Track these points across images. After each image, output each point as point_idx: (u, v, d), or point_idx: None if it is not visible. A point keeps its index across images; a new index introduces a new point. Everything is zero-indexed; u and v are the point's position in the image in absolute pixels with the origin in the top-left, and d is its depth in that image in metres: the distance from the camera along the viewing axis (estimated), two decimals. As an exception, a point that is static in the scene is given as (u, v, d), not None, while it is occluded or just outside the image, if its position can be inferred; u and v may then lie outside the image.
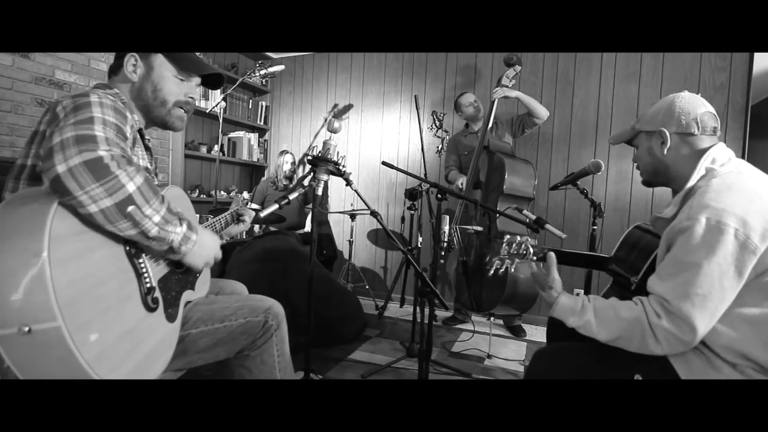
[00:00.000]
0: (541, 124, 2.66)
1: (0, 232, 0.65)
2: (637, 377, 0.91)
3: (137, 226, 0.74)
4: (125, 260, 0.80)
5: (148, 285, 0.84)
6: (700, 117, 0.96)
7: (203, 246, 0.91)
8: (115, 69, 1.01)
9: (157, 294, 0.87)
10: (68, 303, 0.63)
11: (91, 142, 0.70)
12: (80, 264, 0.69)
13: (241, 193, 3.78)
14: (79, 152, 0.68)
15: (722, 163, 0.92)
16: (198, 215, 1.21)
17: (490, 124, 2.54)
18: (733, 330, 0.83)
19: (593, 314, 0.93)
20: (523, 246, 1.03)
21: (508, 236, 1.05)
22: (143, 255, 0.85)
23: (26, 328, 0.61)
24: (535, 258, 1.06)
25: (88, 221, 0.72)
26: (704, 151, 0.94)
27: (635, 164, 1.10)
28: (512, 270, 1.06)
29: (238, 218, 1.32)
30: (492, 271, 1.05)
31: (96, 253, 0.74)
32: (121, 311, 0.76)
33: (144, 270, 0.84)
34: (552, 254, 1.04)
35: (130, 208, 0.72)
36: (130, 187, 0.72)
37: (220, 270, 2.58)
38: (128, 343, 0.75)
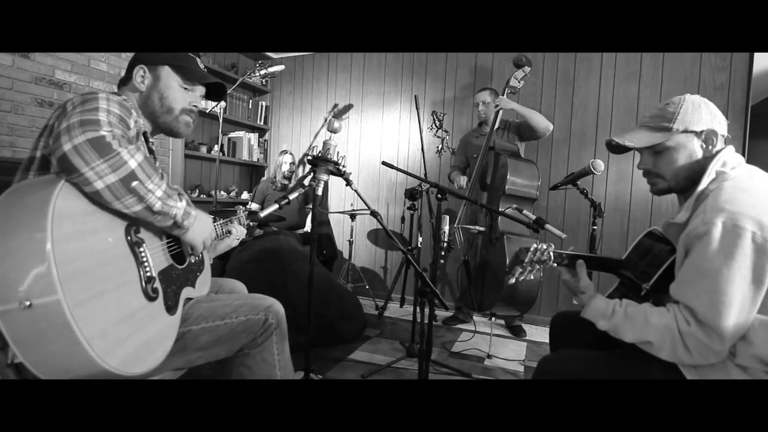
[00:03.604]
0: (543, 137, 2.57)
1: (6, 212, 0.68)
2: None
3: (142, 201, 0.78)
4: (126, 247, 0.82)
5: (149, 274, 0.86)
6: (723, 119, 0.96)
7: (202, 222, 0.96)
8: (125, 80, 1.06)
9: (157, 285, 0.89)
10: (69, 278, 0.65)
11: (94, 125, 0.75)
12: (82, 244, 0.71)
13: (241, 193, 3.78)
14: (83, 132, 0.73)
15: (733, 167, 0.90)
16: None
17: (496, 126, 2.52)
18: (751, 335, 0.82)
19: (623, 319, 0.92)
20: (545, 253, 1.02)
21: (534, 245, 1.04)
22: (144, 245, 0.87)
23: (27, 303, 0.62)
24: (555, 264, 1.05)
25: (92, 204, 0.76)
26: (714, 153, 0.93)
27: (647, 170, 1.01)
28: (531, 278, 1.06)
29: (227, 232, 1.30)
30: (513, 280, 1.05)
31: (98, 235, 0.76)
32: (121, 295, 0.78)
33: (145, 259, 0.86)
34: (582, 261, 1.04)
35: (134, 183, 0.76)
36: (132, 164, 0.76)
37: (220, 270, 2.58)
38: (128, 327, 0.77)
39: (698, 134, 0.93)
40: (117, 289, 0.77)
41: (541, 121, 2.50)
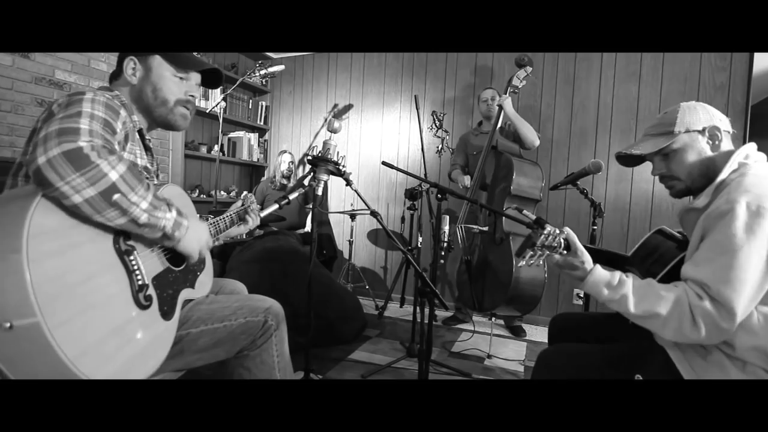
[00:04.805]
0: (530, 149, 2.61)
1: None
2: (638, 377, 0.91)
3: (126, 214, 0.74)
4: (114, 257, 0.80)
5: (140, 282, 0.84)
6: (723, 117, 0.99)
7: (196, 231, 0.92)
8: (116, 74, 1.02)
9: (151, 291, 0.87)
10: (48, 300, 0.63)
11: (72, 134, 0.71)
12: (61, 260, 0.69)
13: (241, 194, 3.78)
14: (59, 143, 0.69)
15: (756, 160, 0.93)
16: (198, 215, 1.20)
17: (499, 125, 2.52)
18: (756, 326, 0.82)
19: (630, 288, 0.90)
20: (557, 239, 0.98)
21: (548, 228, 0.99)
22: (135, 252, 0.84)
23: (8, 324, 0.61)
24: (565, 252, 1.01)
25: (74, 217, 0.72)
26: (733, 150, 0.95)
27: (661, 174, 1.03)
28: (540, 263, 1.01)
29: (240, 219, 1.29)
30: (523, 263, 1.02)
31: (81, 249, 0.73)
32: (108, 308, 0.75)
33: (135, 267, 0.84)
34: (568, 228, 1.00)
35: (116, 196, 0.72)
36: (113, 176, 0.72)
37: (220, 270, 2.58)
38: (116, 341, 0.75)
39: (701, 132, 0.96)
40: (104, 303, 0.74)
41: (528, 134, 2.53)
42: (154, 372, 0.83)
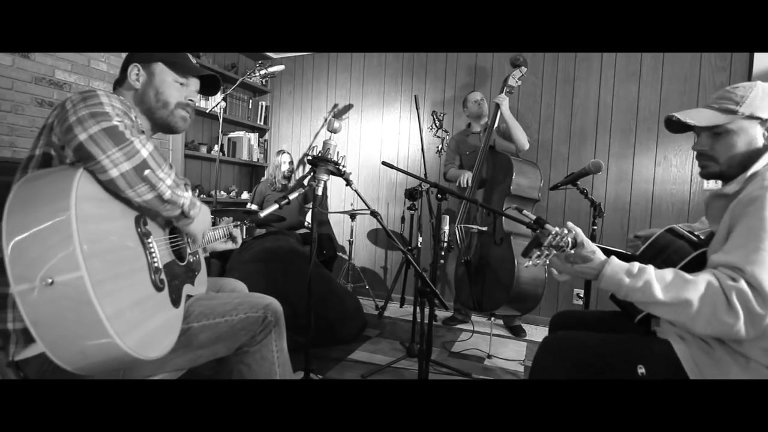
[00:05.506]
0: (520, 152, 2.65)
1: (27, 194, 0.69)
2: (641, 369, 0.90)
3: (154, 189, 0.80)
4: (137, 237, 0.85)
5: (156, 265, 0.88)
6: None
7: (204, 213, 1.01)
8: (120, 81, 1.08)
9: (163, 276, 0.91)
10: (90, 256, 0.66)
11: (105, 116, 0.78)
12: (99, 226, 0.74)
13: (241, 193, 3.78)
14: (97, 122, 0.75)
15: None
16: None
17: (496, 124, 2.54)
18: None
19: (653, 276, 0.83)
20: (564, 239, 0.92)
21: (556, 229, 0.94)
22: (151, 236, 0.90)
23: (49, 280, 0.63)
24: (572, 252, 0.95)
25: (106, 192, 0.79)
26: None
27: (701, 152, 0.97)
28: (547, 262, 0.96)
29: (230, 236, 1.38)
30: (529, 263, 0.94)
31: (114, 222, 0.79)
32: (133, 281, 0.79)
33: (152, 250, 0.89)
34: (571, 224, 0.94)
35: (147, 172, 0.78)
36: (144, 153, 0.79)
37: (220, 270, 2.58)
38: (139, 313, 0.78)
39: (762, 121, 0.91)
40: (130, 275, 0.78)
41: (520, 137, 2.58)
42: (166, 355, 0.83)
